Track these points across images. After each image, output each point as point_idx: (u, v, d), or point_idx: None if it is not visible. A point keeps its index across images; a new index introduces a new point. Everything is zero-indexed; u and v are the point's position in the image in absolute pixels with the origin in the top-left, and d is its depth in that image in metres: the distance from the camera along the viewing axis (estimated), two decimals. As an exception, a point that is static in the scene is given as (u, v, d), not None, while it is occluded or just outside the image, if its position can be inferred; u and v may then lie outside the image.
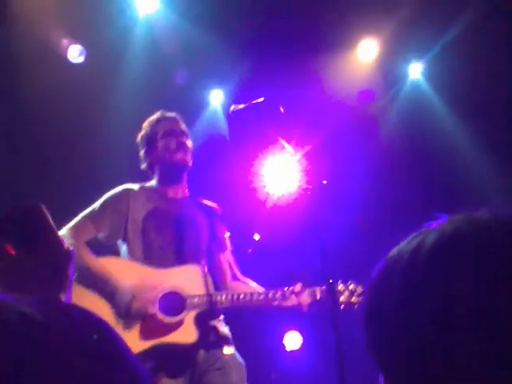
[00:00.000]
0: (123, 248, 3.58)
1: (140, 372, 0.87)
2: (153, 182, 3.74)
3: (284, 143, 3.30)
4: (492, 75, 6.06)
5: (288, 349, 5.93)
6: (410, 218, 5.54)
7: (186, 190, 3.74)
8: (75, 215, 4.59)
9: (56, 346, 0.78)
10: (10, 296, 0.84)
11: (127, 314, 3.36)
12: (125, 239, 3.57)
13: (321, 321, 3.64)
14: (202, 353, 3.38)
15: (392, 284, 0.92)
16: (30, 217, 1.46)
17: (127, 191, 3.63)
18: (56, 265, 1.47)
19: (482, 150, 6.22)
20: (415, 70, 6.52)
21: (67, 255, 1.52)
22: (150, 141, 3.74)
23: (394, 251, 0.96)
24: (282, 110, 3.33)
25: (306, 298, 3.44)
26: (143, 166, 3.77)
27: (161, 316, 3.36)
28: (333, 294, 2.98)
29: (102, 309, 3.31)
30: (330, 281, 3.04)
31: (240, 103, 3.43)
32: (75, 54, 5.43)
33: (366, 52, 6.33)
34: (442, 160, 6.34)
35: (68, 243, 3.34)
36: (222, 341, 3.45)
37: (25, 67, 5.30)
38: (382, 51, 6.30)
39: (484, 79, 6.08)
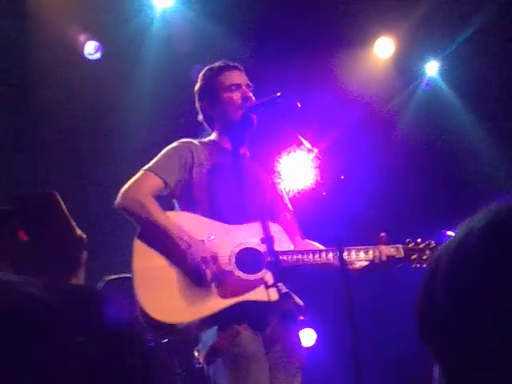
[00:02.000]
0: (177, 203, 3.35)
1: (150, 357, 0.86)
2: (212, 137, 3.50)
3: (301, 138, 3.28)
4: (508, 73, 6.03)
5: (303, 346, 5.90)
6: (427, 215, 5.52)
7: (247, 148, 3.51)
8: (89, 211, 4.53)
9: (64, 328, 0.77)
10: (18, 277, 0.83)
11: (203, 274, 3.11)
12: (186, 192, 3.30)
13: (335, 317, 3.61)
14: (277, 317, 3.19)
15: (441, 273, 0.91)
16: (43, 204, 1.46)
17: (189, 143, 3.38)
18: (67, 251, 1.46)
19: (499, 147, 6.19)
20: (432, 68, 6.49)
21: (79, 242, 1.51)
22: (211, 93, 3.44)
23: (445, 244, 0.95)
24: (299, 105, 3.31)
25: (392, 252, 3.28)
26: (200, 118, 3.53)
27: (239, 273, 3.14)
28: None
29: (172, 267, 3.12)
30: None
31: (256, 99, 3.43)
32: (91, 50, 5.43)
33: (382, 50, 6.30)
34: (458, 157, 6.32)
35: (132, 199, 3.25)
36: (298, 310, 3.27)
37: (41, 63, 5.31)
38: (399, 49, 6.28)
39: (500, 77, 6.04)
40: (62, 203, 1.50)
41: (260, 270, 3.16)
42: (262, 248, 3.20)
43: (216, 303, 3.09)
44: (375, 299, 5.62)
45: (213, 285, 3.12)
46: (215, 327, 3.12)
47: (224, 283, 3.13)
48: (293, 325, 3.29)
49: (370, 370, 3.07)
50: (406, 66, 6.41)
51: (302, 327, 3.52)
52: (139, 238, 3.17)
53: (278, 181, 3.48)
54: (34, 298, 0.78)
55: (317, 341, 5.87)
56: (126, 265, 3.17)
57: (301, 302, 3.31)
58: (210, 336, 3.14)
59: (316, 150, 3.23)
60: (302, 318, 3.31)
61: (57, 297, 0.80)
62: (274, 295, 3.13)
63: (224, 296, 3.11)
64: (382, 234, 3.31)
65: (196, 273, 3.12)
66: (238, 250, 3.18)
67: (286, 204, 3.54)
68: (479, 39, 5.97)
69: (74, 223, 1.53)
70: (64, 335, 0.76)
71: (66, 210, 1.50)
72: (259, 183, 3.44)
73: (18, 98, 5.31)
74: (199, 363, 3.42)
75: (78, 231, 1.54)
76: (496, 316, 0.84)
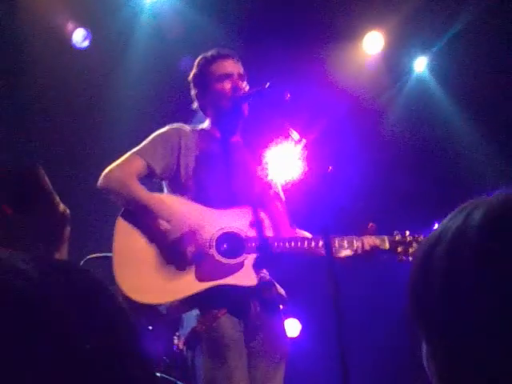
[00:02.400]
0: (166, 188, 3.38)
1: (139, 339, 0.85)
2: (205, 125, 3.53)
3: (290, 129, 3.28)
4: (497, 69, 6.05)
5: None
6: (415, 208, 5.54)
7: (239, 136, 3.54)
8: (80, 199, 4.51)
9: (53, 305, 0.75)
10: (6, 253, 0.81)
11: (182, 254, 3.13)
12: (174, 178, 3.34)
13: (320, 308, 3.61)
14: (257, 304, 3.20)
15: (436, 261, 0.90)
16: (27, 177, 1.45)
17: (178, 129, 3.41)
18: (51, 226, 1.45)
19: (487, 143, 6.22)
20: (420, 64, 6.50)
21: (63, 217, 1.50)
22: (203, 82, 3.47)
23: (439, 227, 0.94)
24: (288, 95, 3.31)
25: (377, 243, 3.28)
26: (195, 105, 3.55)
27: (219, 257, 3.15)
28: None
29: (152, 247, 3.13)
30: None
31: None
32: (80, 38, 5.40)
33: (371, 45, 6.30)
34: (446, 151, 6.34)
35: (114, 178, 3.28)
36: (280, 299, 3.28)
37: (30, 52, 5.27)
38: (388, 44, 6.28)
39: (489, 73, 6.06)
40: (46, 177, 1.49)
41: (240, 255, 3.18)
42: (243, 233, 3.22)
43: (194, 285, 3.09)
44: (362, 290, 5.63)
45: (192, 267, 3.12)
46: (196, 312, 3.13)
47: (203, 266, 3.14)
48: (275, 313, 3.29)
49: (356, 360, 3.07)
50: (394, 62, 6.41)
51: (286, 317, 3.50)
52: (122, 217, 3.20)
53: (269, 171, 3.49)
54: (25, 274, 0.77)
55: (302, 331, 5.89)
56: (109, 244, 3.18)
57: (283, 292, 3.32)
58: (190, 321, 3.14)
59: (304, 141, 3.23)
60: (281, 306, 3.31)
61: (47, 273, 0.79)
62: (253, 280, 3.14)
63: (202, 279, 3.11)
64: (371, 225, 3.32)
65: (175, 249, 3.13)
66: (219, 233, 3.20)
67: (278, 194, 3.56)
68: (468, 35, 5.98)
69: (57, 198, 1.51)
70: (55, 312, 0.75)
71: (49, 184, 1.49)
72: (249, 172, 3.45)
73: (6, 86, 5.27)
74: (178, 348, 3.42)
75: (62, 206, 1.52)
76: (492, 312, 0.84)
